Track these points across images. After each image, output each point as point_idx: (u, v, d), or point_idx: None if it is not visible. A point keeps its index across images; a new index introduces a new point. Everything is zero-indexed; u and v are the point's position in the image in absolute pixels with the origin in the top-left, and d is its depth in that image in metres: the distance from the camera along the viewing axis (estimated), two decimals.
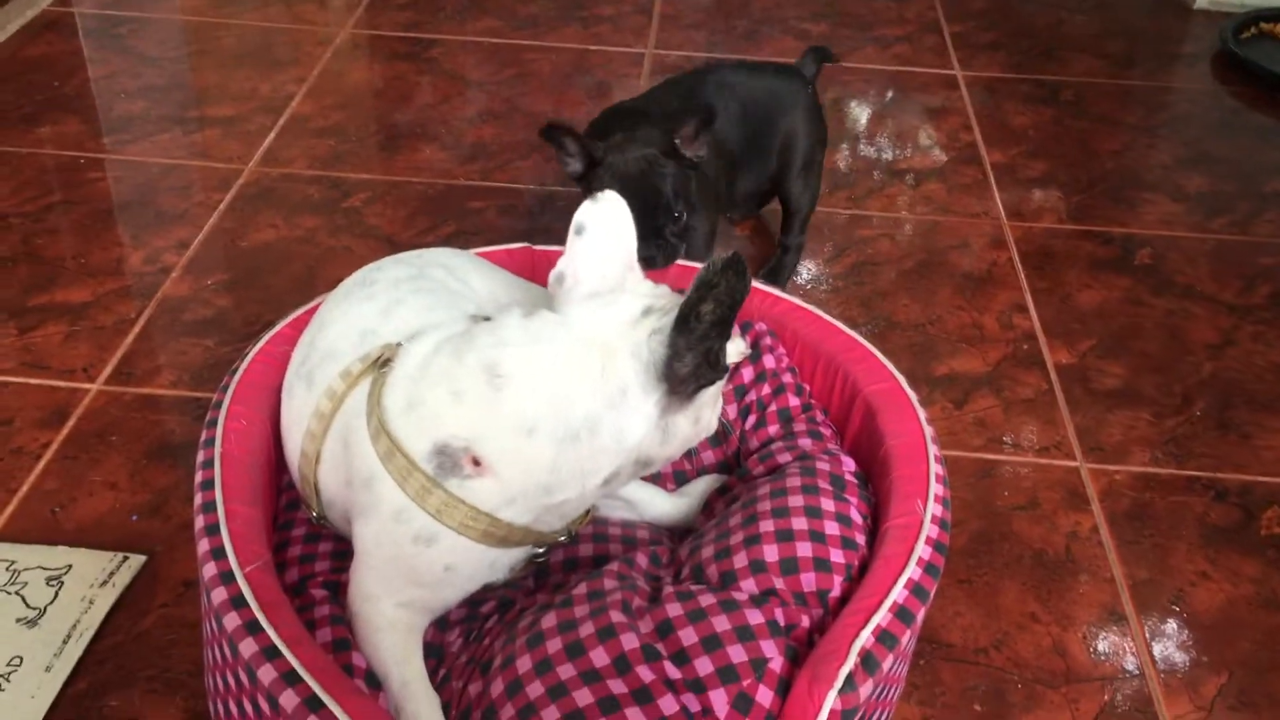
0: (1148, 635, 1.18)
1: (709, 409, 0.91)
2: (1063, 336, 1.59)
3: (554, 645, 0.86)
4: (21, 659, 1.07)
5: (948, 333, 1.59)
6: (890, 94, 2.23)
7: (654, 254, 1.34)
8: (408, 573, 0.89)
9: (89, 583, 1.15)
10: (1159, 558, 1.27)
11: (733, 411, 1.17)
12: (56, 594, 1.13)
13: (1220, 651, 1.17)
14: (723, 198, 1.59)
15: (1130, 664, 1.15)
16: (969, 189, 1.92)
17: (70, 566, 1.16)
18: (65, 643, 1.09)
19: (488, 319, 0.94)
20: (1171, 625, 1.20)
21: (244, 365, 1.07)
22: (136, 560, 1.18)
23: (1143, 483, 1.37)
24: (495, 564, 0.92)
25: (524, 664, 0.86)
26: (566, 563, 1.03)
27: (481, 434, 0.85)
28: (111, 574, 1.16)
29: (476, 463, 0.85)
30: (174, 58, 2.18)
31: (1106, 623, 1.19)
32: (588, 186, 1.36)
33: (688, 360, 0.84)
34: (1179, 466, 1.39)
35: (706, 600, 0.90)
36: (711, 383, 0.87)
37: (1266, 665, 1.16)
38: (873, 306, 1.62)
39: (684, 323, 0.83)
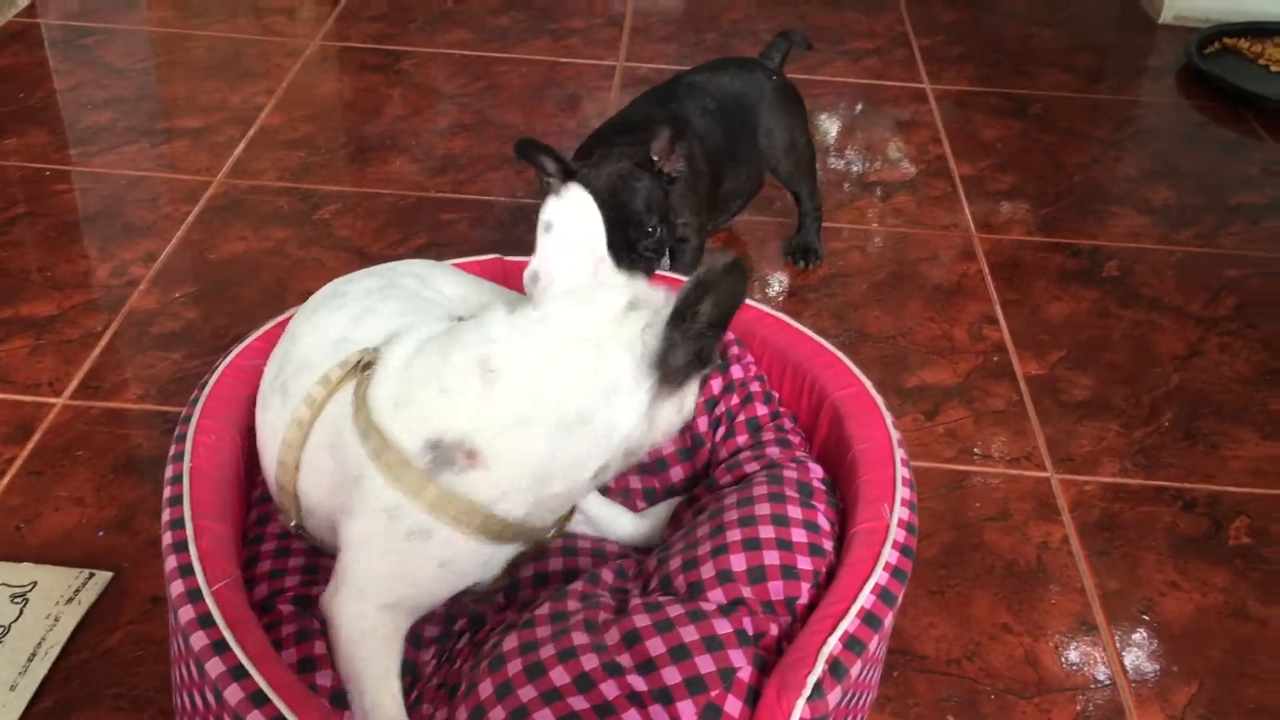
0: (1119, 645, 1.19)
1: (691, 395, 0.93)
2: (1032, 348, 1.60)
3: (514, 667, 0.86)
4: None
5: (918, 344, 1.59)
6: (860, 107, 2.24)
7: (626, 269, 1.33)
8: (399, 570, 0.88)
9: (54, 600, 1.13)
10: (1129, 568, 1.28)
11: (703, 424, 1.17)
12: (21, 611, 1.12)
13: (1190, 661, 1.18)
14: (712, 204, 1.60)
15: (1102, 674, 1.16)
16: (939, 201, 1.93)
17: (35, 583, 1.15)
18: (30, 661, 1.07)
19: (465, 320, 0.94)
20: (1142, 635, 1.21)
21: (213, 379, 1.06)
22: (103, 577, 1.16)
23: (1112, 493, 1.38)
24: (489, 561, 0.91)
25: (485, 689, 0.85)
26: (537, 577, 1.03)
27: (476, 428, 0.86)
28: (77, 590, 1.14)
29: (471, 456, 0.85)
30: (141, 69, 2.17)
31: (1078, 633, 1.20)
32: None
33: (680, 354, 0.86)
34: (1148, 477, 1.40)
35: (674, 611, 0.90)
36: (700, 372, 0.89)
37: (1235, 674, 1.17)
38: (844, 318, 1.63)
39: (679, 318, 0.84)
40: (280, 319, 1.16)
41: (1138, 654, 1.18)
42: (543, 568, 1.03)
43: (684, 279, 1.21)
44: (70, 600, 1.13)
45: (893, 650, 1.16)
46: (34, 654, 1.08)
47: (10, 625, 1.10)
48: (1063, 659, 1.17)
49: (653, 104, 1.59)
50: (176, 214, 1.76)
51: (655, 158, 1.38)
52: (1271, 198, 2.00)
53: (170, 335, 1.51)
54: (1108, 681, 1.15)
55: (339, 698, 0.86)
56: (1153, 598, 1.25)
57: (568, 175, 1.37)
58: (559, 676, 0.85)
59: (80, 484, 1.28)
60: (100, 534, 1.22)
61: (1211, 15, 2.59)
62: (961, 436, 1.44)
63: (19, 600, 1.13)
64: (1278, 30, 2.52)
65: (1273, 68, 2.41)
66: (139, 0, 2.45)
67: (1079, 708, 1.12)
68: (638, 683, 0.84)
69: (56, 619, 1.11)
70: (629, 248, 1.35)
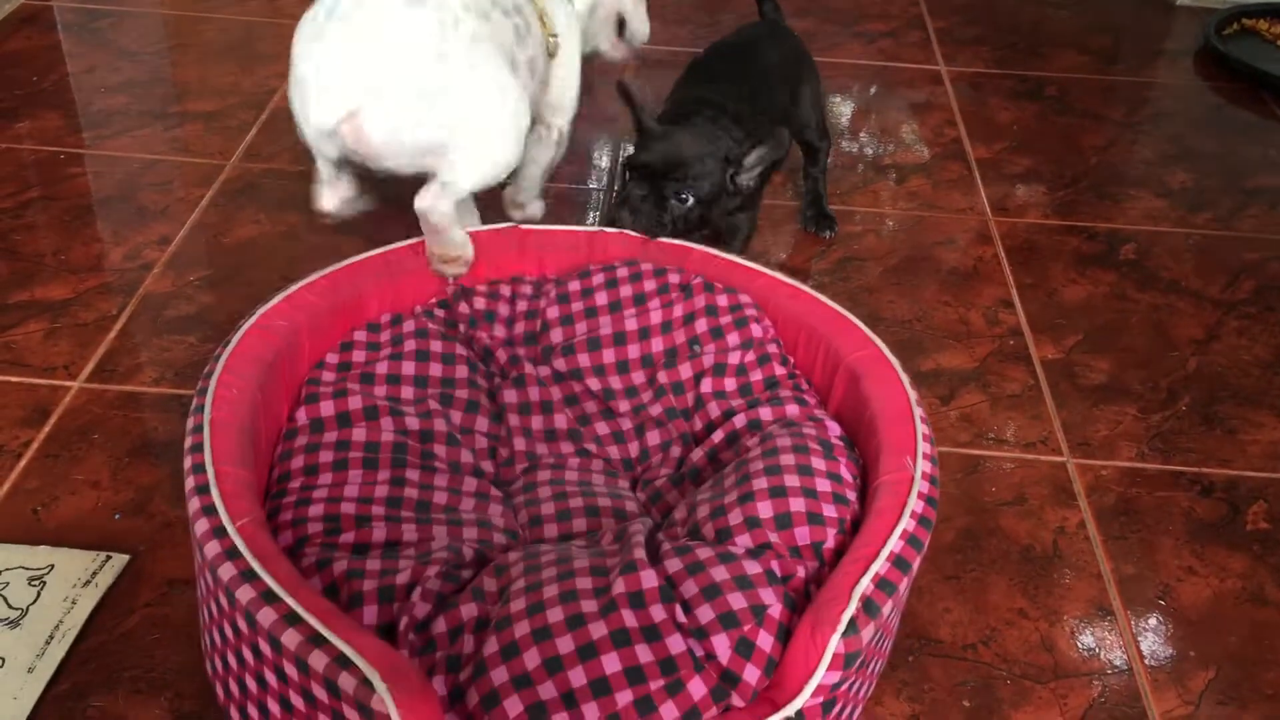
0: (1135, 630, 1.19)
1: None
2: (1049, 332, 1.60)
3: (584, 583, 0.88)
4: (3, 660, 1.06)
5: (934, 328, 1.59)
6: (874, 89, 2.23)
7: (641, 212, 1.37)
8: None
9: (71, 583, 1.14)
10: (1146, 553, 1.27)
11: (729, 384, 1.18)
12: (39, 594, 1.12)
13: (1207, 646, 1.17)
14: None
15: (1118, 659, 1.15)
16: (954, 184, 1.92)
17: (52, 566, 1.15)
18: (48, 643, 1.08)
19: None
20: (1159, 620, 1.20)
21: (237, 337, 1.09)
22: (120, 559, 1.17)
23: (1129, 478, 1.37)
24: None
25: (550, 590, 0.88)
26: (561, 536, 1.04)
27: None
28: (94, 574, 1.15)
29: None
30: (154, 52, 2.16)
31: (1094, 618, 1.20)
32: (634, 146, 1.44)
33: None
34: (1165, 461, 1.40)
35: (704, 553, 0.93)
36: None
37: (1253, 659, 1.16)
38: (859, 302, 1.62)
39: None
40: (303, 282, 1.18)
41: (1154, 639, 1.18)
42: (566, 528, 1.04)
43: (729, 255, 1.25)
44: (88, 583, 1.14)
45: (908, 635, 1.15)
46: (51, 636, 1.08)
47: (28, 608, 1.11)
48: (1079, 644, 1.17)
49: (729, 83, 1.58)
50: (190, 198, 1.75)
51: (743, 165, 1.41)
52: None
53: (185, 319, 1.51)
54: (1124, 667, 1.15)
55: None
56: (1169, 583, 1.24)
57: (643, 128, 1.43)
58: (618, 586, 0.88)
59: (96, 467, 1.28)
60: (117, 517, 1.23)
61: None
62: (977, 421, 1.44)
63: (36, 583, 1.13)
64: None
65: None
66: None
67: (1095, 693, 1.12)
68: (679, 615, 0.87)
69: (74, 602, 1.12)
70: (658, 202, 1.38)
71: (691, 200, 1.39)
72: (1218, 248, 1.80)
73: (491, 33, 1.36)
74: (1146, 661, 1.16)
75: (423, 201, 1.31)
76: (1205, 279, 1.72)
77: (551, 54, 1.56)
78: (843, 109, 2.15)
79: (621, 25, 1.74)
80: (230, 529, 0.88)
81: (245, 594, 0.84)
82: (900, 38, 2.41)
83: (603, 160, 1.93)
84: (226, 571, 0.85)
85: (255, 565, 0.86)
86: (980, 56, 2.35)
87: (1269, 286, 1.71)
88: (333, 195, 1.44)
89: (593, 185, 1.86)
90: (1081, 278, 1.71)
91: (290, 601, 0.83)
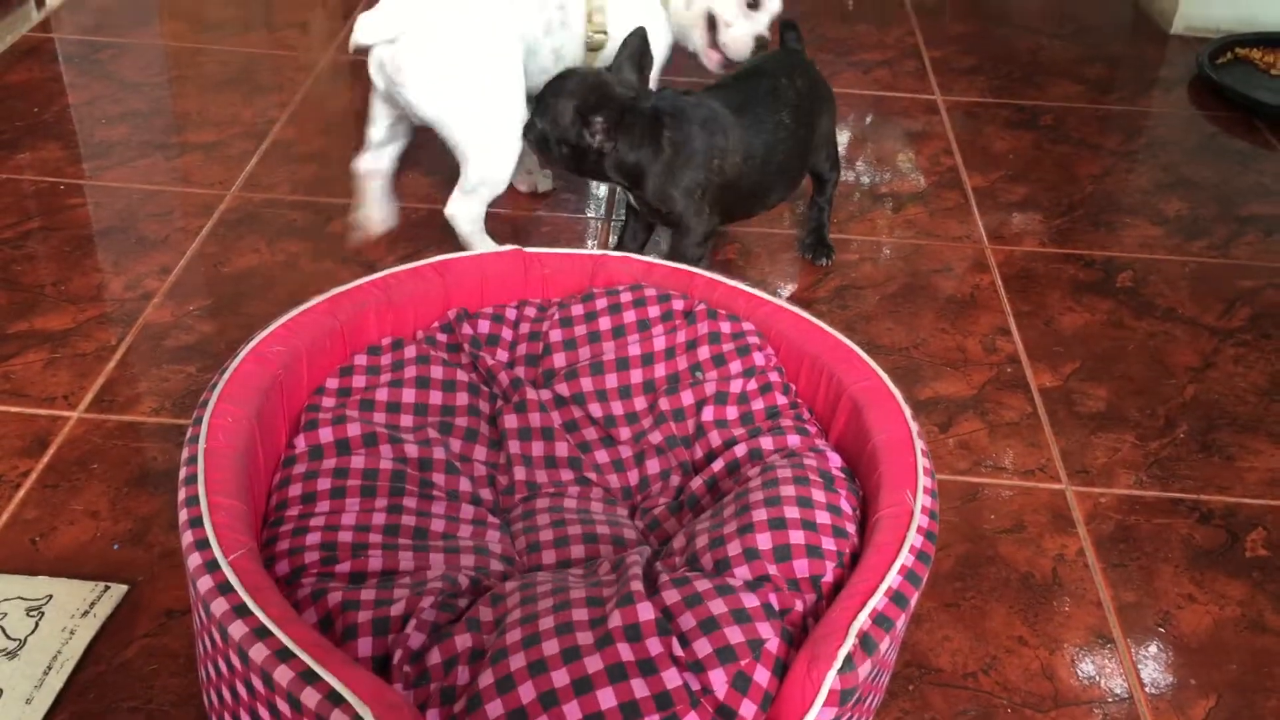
0: (1135, 658, 1.18)
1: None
2: (1046, 359, 1.60)
3: (580, 614, 0.87)
4: (1, 691, 1.06)
5: (931, 356, 1.59)
6: (870, 118, 2.24)
7: (535, 123, 1.55)
8: None
9: (70, 613, 1.13)
10: (1145, 580, 1.27)
11: (731, 412, 1.19)
12: (37, 624, 1.12)
13: (1208, 674, 1.17)
14: (746, 209, 1.67)
15: (1119, 687, 1.15)
16: (950, 213, 1.93)
17: (51, 596, 1.15)
18: (46, 674, 1.08)
19: None
20: (1159, 648, 1.20)
21: (235, 363, 1.09)
22: (118, 590, 1.17)
23: (1128, 505, 1.37)
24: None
25: (546, 622, 0.88)
26: (560, 563, 1.04)
27: None
28: (93, 604, 1.15)
29: None
30: (155, 83, 2.18)
31: (1094, 646, 1.19)
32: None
33: None
34: (1163, 489, 1.40)
35: (702, 585, 0.92)
36: None
37: (1254, 688, 1.16)
38: (856, 330, 1.63)
39: None
40: (304, 307, 1.18)
41: (1155, 667, 1.18)
42: (564, 554, 1.04)
43: (740, 284, 1.27)
44: (86, 613, 1.14)
45: (908, 663, 1.15)
46: (50, 667, 1.08)
47: (26, 638, 1.10)
48: (1079, 672, 1.16)
49: (722, 100, 1.61)
50: (190, 227, 1.76)
51: (589, 119, 1.51)
52: None
53: (184, 349, 1.52)
54: (1125, 695, 1.14)
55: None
56: (1169, 610, 1.24)
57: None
58: (614, 619, 0.88)
59: (95, 497, 1.28)
60: (115, 547, 1.23)
61: (1222, 26, 2.59)
62: (975, 449, 1.44)
63: (35, 613, 1.13)
64: None
65: None
66: (153, 15, 2.47)
67: None
68: (676, 649, 0.87)
69: (72, 632, 1.12)
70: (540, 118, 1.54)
71: (539, 125, 1.55)
72: (1214, 275, 1.81)
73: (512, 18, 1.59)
74: (1147, 690, 1.15)
75: (449, 208, 1.64)
76: (1201, 306, 1.73)
77: (594, 48, 1.68)
78: (840, 138, 2.17)
79: (714, 27, 1.74)
80: (223, 563, 0.88)
81: (238, 630, 0.83)
82: (896, 67, 2.42)
83: (600, 189, 1.94)
84: (219, 607, 0.85)
85: (248, 600, 0.85)
86: (976, 86, 2.36)
87: (1265, 314, 1.72)
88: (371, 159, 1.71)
89: (591, 214, 1.87)
90: (1078, 305, 1.72)
91: (282, 637, 0.82)
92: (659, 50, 1.72)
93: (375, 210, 1.73)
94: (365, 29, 1.54)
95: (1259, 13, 2.59)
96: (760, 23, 1.72)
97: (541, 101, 1.55)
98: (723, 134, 1.55)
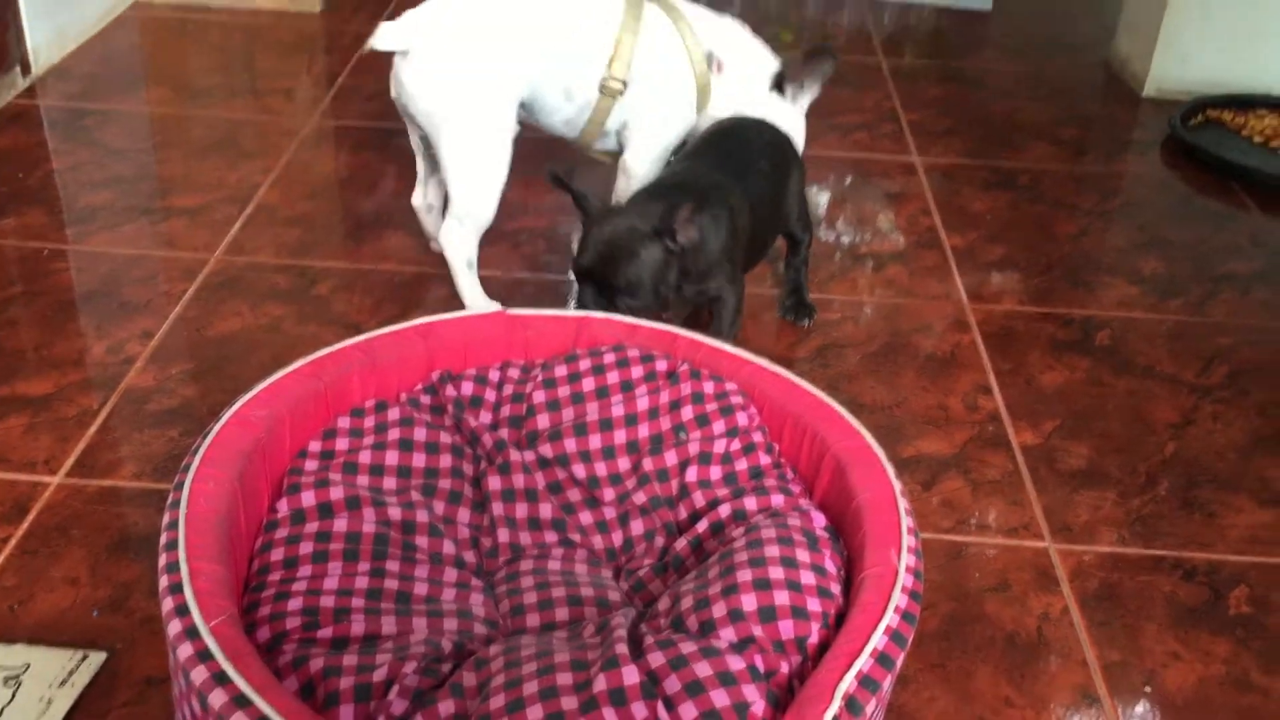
0: (1122, 717, 1.18)
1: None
2: (1027, 417, 1.61)
3: (534, 714, 0.86)
4: None
5: (914, 414, 1.60)
6: (850, 180, 2.27)
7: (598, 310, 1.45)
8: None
9: (47, 682, 1.12)
10: (1130, 638, 1.27)
11: (714, 473, 1.19)
12: (14, 695, 1.10)
13: None
14: (747, 259, 1.68)
15: None
16: (930, 272, 1.95)
17: (28, 665, 1.14)
18: None
19: None
20: (1145, 707, 1.20)
21: (217, 427, 1.09)
22: (97, 658, 1.15)
23: (1111, 563, 1.37)
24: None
25: (531, 686, 0.87)
26: (544, 626, 1.03)
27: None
28: (71, 672, 1.13)
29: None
30: (141, 149, 2.19)
31: (1081, 705, 1.19)
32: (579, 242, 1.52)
33: None
34: (1146, 546, 1.40)
35: (688, 647, 0.92)
36: None
37: None
38: (839, 389, 1.63)
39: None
40: (287, 370, 1.19)
41: None
42: (549, 617, 1.04)
43: (716, 342, 1.27)
44: (64, 682, 1.12)
45: None
46: None
47: (3, 709, 1.09)
48: None
49: (707, 163, 1.64)
50: (174, 291, 1.77)
51: (675, 227, 1.45)
52: (1259, 267, 2.02)
53: (167, 413, 1.51)
54: None
55: None
56: (1155, 669, 1.24)
57: (585, 215, 1.51)
58: (599, 684, 0.87)
59: (75, 564, 1.27)
60: (95, 614, 1.21)
61: (1194, 88, 2.64)
62: (959, 507, 1.44)
63: (12, 683, 1.12)
64: (1260, 102, 2.57)
65: (1256, 139, 2.45)
66: (139, 82, 2.49)
67: None
68: (659, 712, 0.86)
69: (50, 701, 1.10)
70: (611, 303, 1.46)
71: (641, 294, 1.46)
72: (1191, 333, 1.82)
73: (519, 52, 1.67)
74: None
75: (441, 234, 1.73)
76: (1179, 364, 1.75)
77: (609, 94, 1.73)
78: (820, 199, 2.19)
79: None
80: (203, 629, 0.87)
81: (218, 698, 0.82)
82: (874, 130, 2.46)
83: None
84: (199, 675, 0.84)
85: (228, 667, 0.84)
86: (953, 148, 2.40)
87: (1242, 371, 1.74)
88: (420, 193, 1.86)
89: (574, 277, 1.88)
90: (1058, 363, 1.73)
91: (262, 705, 0.81)
92: (686, 112, 1.80)
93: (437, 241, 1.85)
94: (382, 36, 1.63)
95: (1230, 75, 2.64)
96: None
97: (611, 279, 1.47)
98: (731, 193, 1.58)
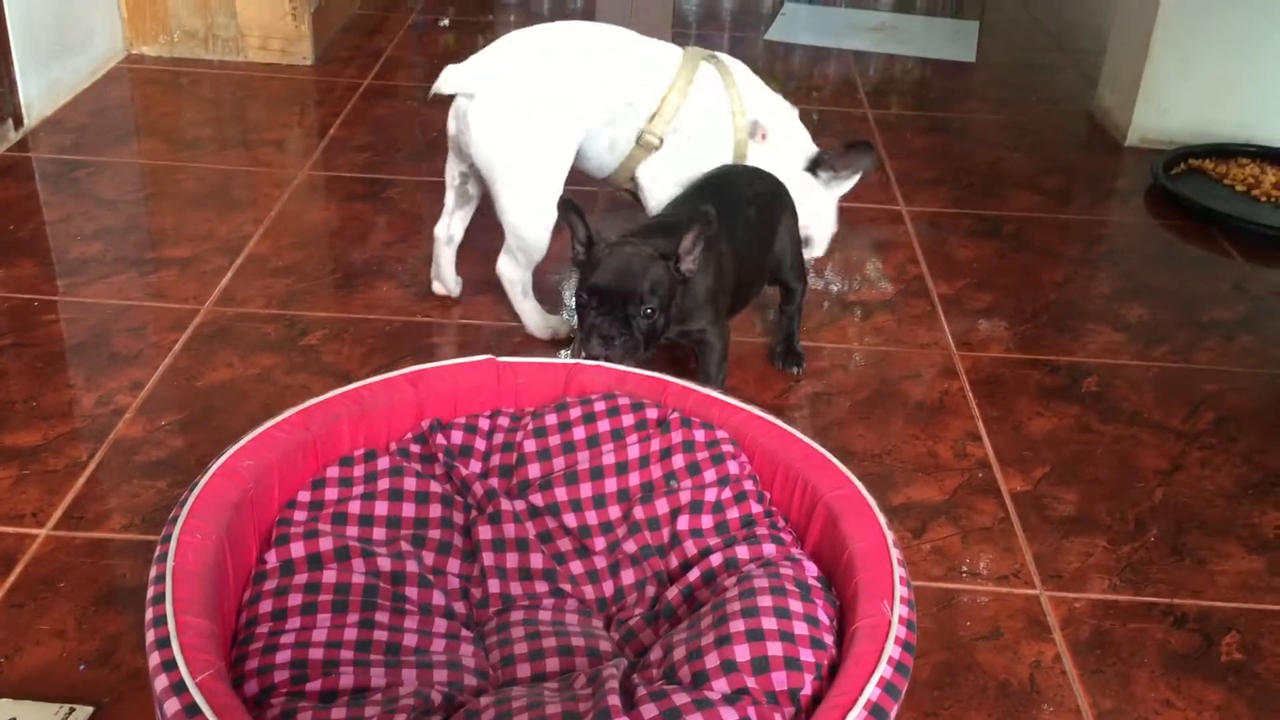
0: None
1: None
2: (1016, 464, 1.61)
3: None
4: None
5: (903, 462, 1.60)
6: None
7: (613, 336, 1.48)
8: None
9: None
10: (1122, 686, 1.27)
11: (706, 521, 1.19)
12: None
13: None
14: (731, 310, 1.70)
15: None
16: (918, 320, 1.96)
17: None
18: None
19: None
20: None
21: (204, 479, 1.09)
22: (83, 712, 1.14)
23: (1102, 610, 1.37)
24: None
25: None
26: (535, 677, 1.03)
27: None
28: None
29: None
30: (131, 200, 2.20)
31: None
32: (581, 273, 1.54)
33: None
34: (1136, 593, 1.40)
35: (680, 699, 0.91)
36: None
37: None
38: (829, 436, 1.64)
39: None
40: (275, 420, 1.19)
41: None
42: (539, 667, 1.03)
43: (707, 389, 1.27)
44: None
45: None
46: None
47: None
48: None
49: (694, 205, 1.66)
50: (163, 342, 1.77)
51: (680, 253, 1.50)
52: (1243, 313, 2.04)
53: (156, 464, 1.51)
54: None
55: None
56: (1148, 716, 1.24)
57: (590, 247, 1.53)
58: None
59: (62, 616, 1.26)
60: (81, 668, 1.20)
61: (1176, 137, 2.67)
62: (949, 554, 1.44)
63: None
64: (1241, 151, 2.60)
65: (1238, 187, 2.48)
66: (130, 134, 2.50)
67: None
68: None
69: None
70: (624, 322, 1.48)
71: (655, 311, 1.49)
72: (1177, 380, 1.84)
73: (571, 99, 1.74)
74: None
75: (498, 265, 1.81)
76: (1166, 410, 1.75)
77: (644, 146, 1.80)
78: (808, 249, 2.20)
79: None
80: (190, 685, 0.87)
81: None
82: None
83: (572, 299, 1.96)
84: None
85: None
86: (939, 197, 2.42)
87: (1229, 417, 1.75)
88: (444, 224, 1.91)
89: (564, 315, 1.89)
90: (1046, 410, 1.74)
91: None
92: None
93: (445, 276, 1.92)
94: (448, 80, 1.72)
95: (1211, 125, 2.67)
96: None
97: (626, 293, 1.49)
98: (718, 237, 1.60)
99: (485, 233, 2.15)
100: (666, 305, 1.51)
